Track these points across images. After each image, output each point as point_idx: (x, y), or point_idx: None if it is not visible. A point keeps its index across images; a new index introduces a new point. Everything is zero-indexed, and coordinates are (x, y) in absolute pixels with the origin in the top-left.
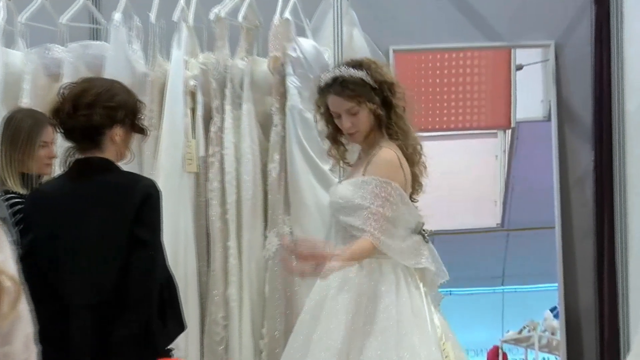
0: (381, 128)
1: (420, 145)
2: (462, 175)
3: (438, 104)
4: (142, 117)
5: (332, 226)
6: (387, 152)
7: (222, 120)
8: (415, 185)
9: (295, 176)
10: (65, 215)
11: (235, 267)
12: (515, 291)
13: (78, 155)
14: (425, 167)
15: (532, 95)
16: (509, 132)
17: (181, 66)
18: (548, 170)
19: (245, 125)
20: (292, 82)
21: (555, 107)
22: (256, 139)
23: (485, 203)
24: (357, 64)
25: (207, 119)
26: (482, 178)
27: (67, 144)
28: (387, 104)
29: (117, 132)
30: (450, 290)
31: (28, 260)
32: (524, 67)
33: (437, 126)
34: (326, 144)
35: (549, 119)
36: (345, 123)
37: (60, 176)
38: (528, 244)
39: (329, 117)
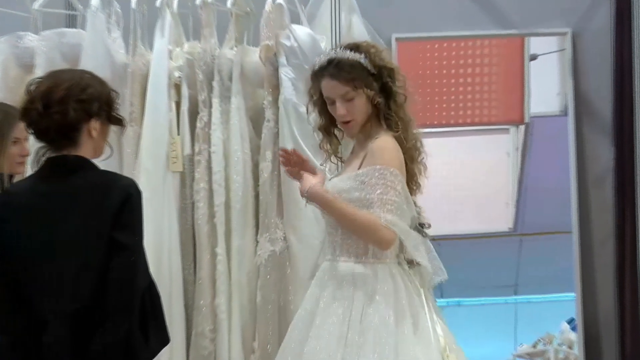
0: (379, 118)
1: (421, 142)
2: (471, 175)
3: (444, 97)
4: (118, 107)
5: (325, 230)
6: (384, 139)
7: (210, 115)
8: (412, 185)
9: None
10: (39, 218)
11: (223, 275)
12: (529, 301)
13: (51, 154)
14: (425, 167)
15: (547, 87)
16: (522, 127)
17: (165, 56)
18: (564, 169)
19: (235, 120)
20: (286, 73)
21: (573, 100)
22: (247, 136)
23: (496, 205)
24: (355, 47)
25: (193, 114)
26: (493, 178)
27: (39, 144)
28: (387, 92)
29: (94, 126)
30: (459, 301)
31: None
32: (539, 57)
33: (443, 121)
34: (318, 137)
35: (565, 113)
36: (339, 109)
37: (32, 176)
38: (543, 250)
39: (323, 106)
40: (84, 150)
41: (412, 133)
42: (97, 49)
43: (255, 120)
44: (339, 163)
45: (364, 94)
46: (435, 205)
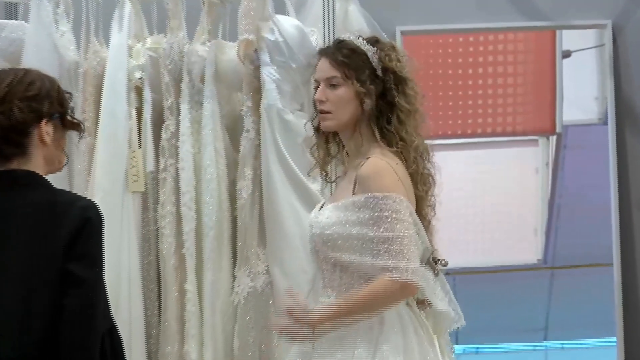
0: (372, 127)
1: (432, 176)
2: (492, 196)
3: (460, 103)
4: (72, 109)
5: (315, 270)
6: (375, 162)
7: (177, 124)
8: (422, 211)
9: (273, 197)
10: None
11: (194, 316)
12: (562, 348)
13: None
14: (433, 208)
15: (583, 90)
16: (553, 138)
17: (123, 53)
18: (604, 187)
19: (208, 130)
20: (269, 73)
21: (613, 105)
22: (222, 149)
23: (523, 232)
24: (374, 40)
25: (158, 123)
26: (518, 199)
27: None
28: (389, 102)
29: (46, 130)
30: (478, 348)
31: None
32: (573, 54)
33: (457, 131)
34: (312, 140)
35: (604, 121)
36: (318, 93)
37: None
38: (578, 286)
39: None
40: (35, 162)
41: (416, 159)
42: (42, 44)
43: (232, 130)
44: (324, 182)
45: (353, 88)
46: (449, 232)
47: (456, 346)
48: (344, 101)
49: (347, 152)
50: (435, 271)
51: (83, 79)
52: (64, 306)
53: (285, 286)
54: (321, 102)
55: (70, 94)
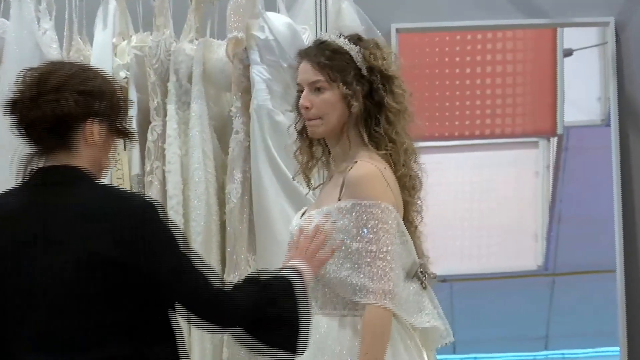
0: (360, 129)
1: (419, 179)
2: (491, 200)
3: (457, 103)
4: (131, 117)
5: None
6: (363, 166)
7: (164, 126)
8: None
9: (264, 201)
10: (27, 241)
11: (182, 325)
12: (564, 357)
13: (41, 164)
14: (421, 211)
15: (584, 90)
16: (554, 140)
17: (108, 52)
18: (607, 191)
19: (196, 131)
20: (259, 72)
21: (616, 106)
22: (210, 151)
23: (523, 237)
24: (356, 38)
25: (144, 124)
26: (518, 204)
27: (26, 150)
28: (376, 102)
29: (93, 129)
30: (475, 357)
31: None
32: (575, 53)
33: (455, 133)
34: (296, 142)
35: (607, 122)
36: (302, 100)
37: (16, 190)
38: (580, 293)
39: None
40: (80, 160)
41: (406, 162)
42: (23, 42)
43: (221, 132)
44: (308, 188)
45: (339, 91)
46: (445, 238)
47: (453, 356)
48: (330, 105)
49: (332, 157)
50: (423, 284)
51: None
52: (181, 305)
53: None
54: (307, 108)
55: (131, 100)
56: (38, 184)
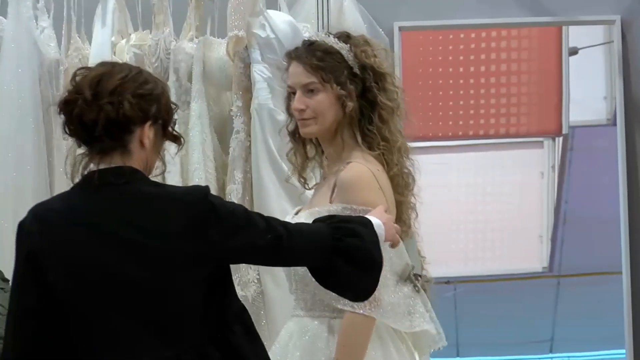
0: (353, 129)
1: (413, 178)
2: (495, 201)
3: (461, 102)
4: (175, 120)
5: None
6: (356, 168)
7: None
8: (402, 217)
9: (265, 202)
10: (102, 241)
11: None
12: None
13: (96, 166)
14: (414, 212)
15: (590, 89)
16: (559, 140)
17: (107, 50)
18: (613, 192)
19: (196, 131)
20: (260, 71)
21: (622, 105)
22: (210, 151)
23: (528, 238)
24: (345, 36)
25: None
26: (523, 204)
27: (77, 150)
28: (369, 100)
29: (148, 134)
30: None
31: (31, 322)
32: (580, 52)
33: (458, 133)
34: (289, 143)
35: (613, 122)
36: (296, 102)
37: (73, 191)
38: (586, 295)
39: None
40: (134, 162)
41: (400, 160)
42: (21, 40)
43: (222, 131)
44: (303, 188)
45: (332, 92)
46: (448, 238)
47: (456, 359)
48: (325, 107)
49: (326, 157)
50: (416, 288)
51: (65, 78)
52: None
53: (277, 296)
54: (301, 110)
55: (176, 105)
56: (103, 184)
